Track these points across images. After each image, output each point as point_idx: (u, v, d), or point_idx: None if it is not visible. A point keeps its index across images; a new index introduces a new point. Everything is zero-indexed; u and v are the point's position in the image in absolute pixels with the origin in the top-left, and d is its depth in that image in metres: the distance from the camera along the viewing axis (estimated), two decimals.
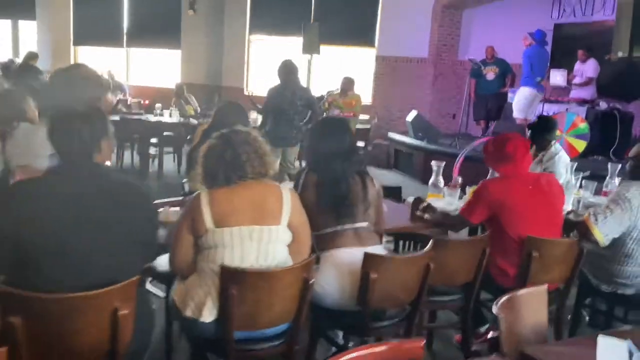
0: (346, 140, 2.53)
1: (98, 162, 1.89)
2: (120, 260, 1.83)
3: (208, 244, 2.06)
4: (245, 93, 11.34)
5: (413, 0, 9.94)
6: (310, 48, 9.77)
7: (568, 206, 3.32)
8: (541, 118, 4.48)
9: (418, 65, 10.28)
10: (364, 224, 2.48)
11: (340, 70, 11.34)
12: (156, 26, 11.55)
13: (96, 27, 11.98)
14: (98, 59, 12.28)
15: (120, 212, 1.84)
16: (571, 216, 3.13)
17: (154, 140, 7.95)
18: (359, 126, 8.34)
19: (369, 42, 10.62)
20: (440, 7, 9.90)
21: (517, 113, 7.79)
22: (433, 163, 3.42)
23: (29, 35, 13.07)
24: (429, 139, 8.57)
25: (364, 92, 10.76)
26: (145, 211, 1.95)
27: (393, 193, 3.57)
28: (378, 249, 2.47)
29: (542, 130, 4.31)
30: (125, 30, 11.89)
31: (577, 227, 2.73)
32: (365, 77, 10.78)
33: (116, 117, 7.76)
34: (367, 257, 2.21)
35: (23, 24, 13.16)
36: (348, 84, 7.56)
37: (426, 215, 3.03)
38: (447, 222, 2.95)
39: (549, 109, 7.59)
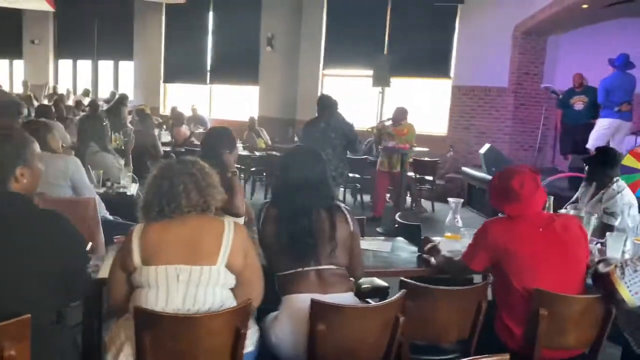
0: (314, 172, 2.27)
1: (14, 191, 1.81)
2: (29, 294, 1.72)
3: (137, 283, 1.91)
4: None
5: (491, 28, 9.41)
6: (380, 81, 9.57)
7: (617, 254, 2.76)
8: (600, 150, 3.91)
9: (497, 95, 9.69)
10: (331, 267, 2.20)
11: (413, 102, 11.04)
12: (237, 63, 12.03)
13: (183, 66, 12.76)
14: (184, 95, 13.01)
15: (31, 243, 1.74)
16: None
17: None
18: (419, 158, 8.00)
19: (444, 73, 10.22)
20: (520, 34, 9.31)
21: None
22: (450, 200, 3.02)
23: (128, 74, 14.21)
24: None
25: (439, 124, 10.35)
26: (65, 243, 1.84)
27: (409, 231, 3.21)
28: (345, 297, 2.17)
29: (601, 165, 3.76)
30: (208, 68, 12.49)
31: (598, 281, 2.23)
32: (440, 108, 10.36)
33: (181, 149, 8.06)
34: (314, 304, 1.93)
35: (123, 64, 14.33)
36: (400, 114, 7.23)
37: (432, 260, 2.67)
38: (449, 269, 2.55)
39: None
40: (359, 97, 10.80)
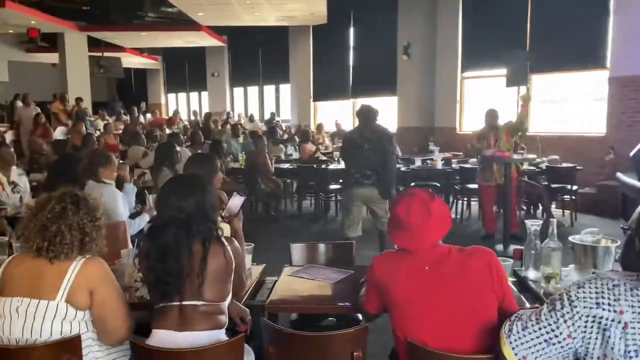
0: (189, 203, 2.15)
1: None
2: None
3: None
4: (459, 132, 10.67)
5: None
6: (515, 80, 8.61)
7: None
8: None
9: None
10: (196, 303, 2.07)
11: (561, 99, 9.69)
12: (376, 75, 12.02)
13: (329, 84, 13.23)
14: (331, 111, 13.43)
15: None
16: None
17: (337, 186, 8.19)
18: (553, 165, 6.97)
19: (598, 63, 8.76)
20: None
21: None
22: (528, 224, 2.52)
23: (286, 96, 15.25)
24: None
25: (595, 123, 8.87)
26: None
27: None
28: (202, 336, 2.02)
29: None
30: (351, 83, 12.70)
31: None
32: (595, 105, 8.89)
33: (307, 165, 8.36)
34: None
35: (282, 87, 15.42)
36: (492, 116, 6.32)
37: None
38: (359, 311, 2.18)
39: None
40: (499, 98, 9.85)
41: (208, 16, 11.84)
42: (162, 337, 2.02)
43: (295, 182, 8.46)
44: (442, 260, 1.84)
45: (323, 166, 8.33)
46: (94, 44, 13.92)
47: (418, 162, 8.03)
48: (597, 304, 1.51)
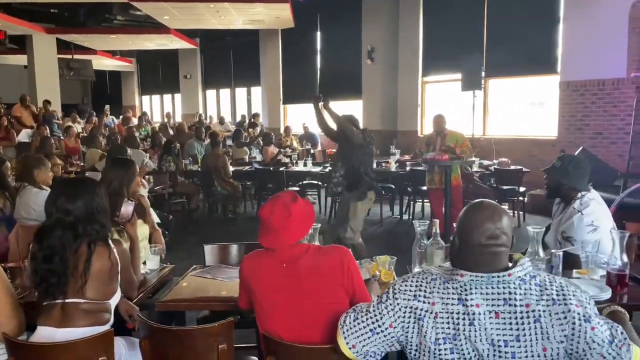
0: (78, 206, 2.28)
1: None
2: None
3: None
4: (420, 135, 10.88)
5: (602, 11, 8.05)
6: (470, 84, 8.81)
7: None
8: (563, 159, 3.13)
9: (614, 87, 8.21)
10: (78, 301, 2.20)
11: (515, 104, 9.97)
12: (342, 79, 12.19)
13: (297, 87, 13.37)
14: (301, 114, 13.57)
15: None
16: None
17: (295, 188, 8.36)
18: (502, 167, 7.18)
19: (550, 69, 9.02)
20: (638, 12, 7.78)
21: None
22: (530, 230, 2.59)
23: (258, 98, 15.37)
24: (598, 181, 6.66)
25: (547, 126, 9.12)
26: None
27: None
28: (80, 332, 2.14)
29: (561, 176, 3.03)
30: (318, 87, 12.86)
31: None
32: (547, 109, 9.15)
33: (257, 166, 8.50)
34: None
35: (254, 89, 15.54)
36: (437, 122, 6.49)
37: None
38: None
39: None
40: (457, 102, 10.08)
41: (175, 20, 11.92)
42: (42, 334, 2.15)
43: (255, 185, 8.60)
44: (299, 258, 1.99)
45: (281, 169, 8.47)
46: (63, 46, 13.92)
47: (373, 165, 8.20)
48: (415, 296, 1.68)
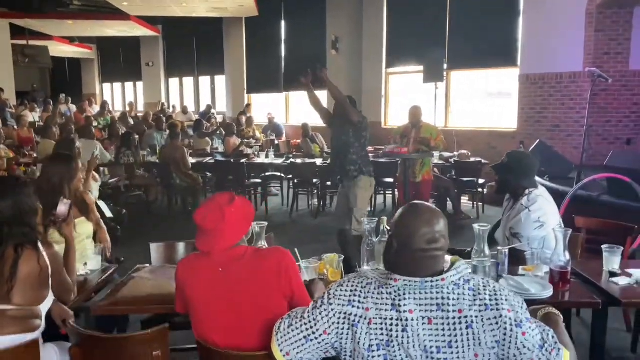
0: (3, 207, 2.15)
1: None
2: None
3: None
4: (384, 126, 10.90)
5: (560, 6, 8.15)
6: (432, 76, 8.85)
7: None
8: (509, 155, 3.14)
9: (571, 81, 8.35)
10: (5, 307, 2.09)
11: (477, 95, 10.05)
12: (306, 69, 12.03)
13: (262, 76, 13.19)
14: (266, 104, 13.42)
15: None
16: None
17: (257, 180, 8.26)
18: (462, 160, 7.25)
19: (510, 61, 9.13)
20: (594, 8, 7.91)
21: None
22: (476, 227, 2.51)
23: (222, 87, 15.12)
24: (553, 173, 6.81)
25: (508, 118, 9.25)
26: None
27: None
28: (16, 339, 2.04)
29: (508, 173, 3.04)
30: (282, 77, 12.73)
31: None
32: (508, 101, 9.27)
33: (218, 158, 8.36)
34: None
35: (218, 78, 15.27)
36: (413, 114, 6.50)
37: None
38: None
39: None
40: (420, 94, 10.11)
41: (134, 6, 11.58)
42: None
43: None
44: (236, 261, 1.93)
45: (242, 160, 8.34)
46: (18, 32, 13.38)
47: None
48: (349, 301, 1.63)
